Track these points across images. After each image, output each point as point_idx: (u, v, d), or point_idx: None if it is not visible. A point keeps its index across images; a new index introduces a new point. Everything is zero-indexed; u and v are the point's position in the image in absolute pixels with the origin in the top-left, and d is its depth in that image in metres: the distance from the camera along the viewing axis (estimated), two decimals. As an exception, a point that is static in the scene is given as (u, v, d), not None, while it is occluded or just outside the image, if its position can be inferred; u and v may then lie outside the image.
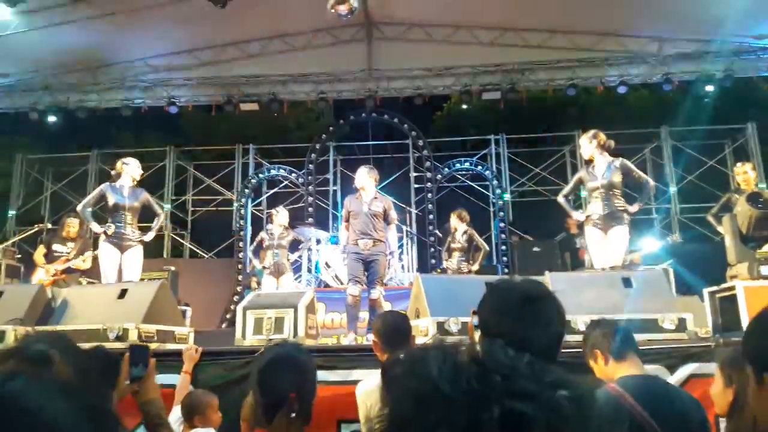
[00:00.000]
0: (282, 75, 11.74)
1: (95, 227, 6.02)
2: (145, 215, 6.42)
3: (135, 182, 6.23)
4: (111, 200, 6.05)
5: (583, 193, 5.88)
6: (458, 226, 7.97)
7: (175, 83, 11.81)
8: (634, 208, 5.52)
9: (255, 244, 7.96)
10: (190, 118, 15.85)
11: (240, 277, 11.36)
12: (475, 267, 7.80)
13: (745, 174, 5.61)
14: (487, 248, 8.23)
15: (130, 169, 6.18)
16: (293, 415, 1.80)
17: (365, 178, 6.00)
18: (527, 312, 1.39)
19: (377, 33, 11.17)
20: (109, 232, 5.97)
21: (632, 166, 5.73)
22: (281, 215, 7.81)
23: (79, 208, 6.21)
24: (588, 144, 5.69)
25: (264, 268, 7.61)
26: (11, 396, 0.61)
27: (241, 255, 12.23)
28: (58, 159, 14.21)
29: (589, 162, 5.75)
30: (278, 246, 7.61)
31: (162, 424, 2.06)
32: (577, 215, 5.75)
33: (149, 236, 6.26)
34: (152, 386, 2.20)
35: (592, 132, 5.79)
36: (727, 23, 9.73)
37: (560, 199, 5.87)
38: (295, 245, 8.10)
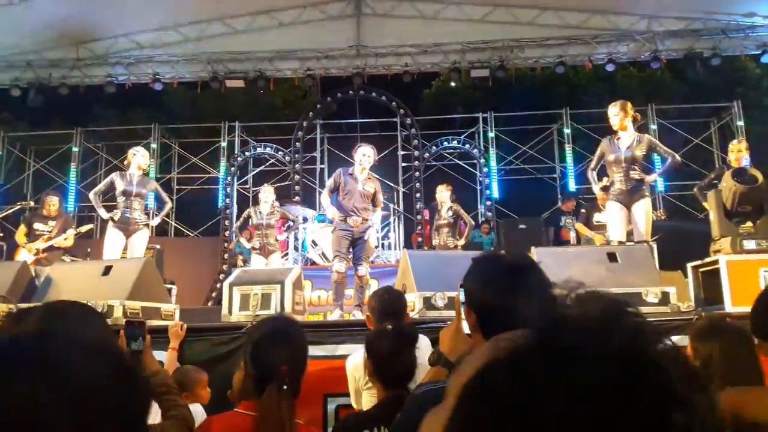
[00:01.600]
0: (268, 51, 11.60)
1: (103, 213, 6.25)
2: None
3: (143, 171, 6.52)
4: (120, 187, 6.33)
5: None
6: (445, 199, 8.00)
7: (160, 59, 11.63)
8: (651, 177, 5.52)
9: (241, 220, 7.91)
10: (176, 95, 15.65)
11: (226, 256, 11.33)
12: (462, 242, 7.88)
13: (739, 153, 5.68)
14: (473, 222, 8.33)
15: (138, 159, 6.45)
16: (284, 387, 1.79)
17: (369, 150, 5.99)
18: (511, 281, 1.39)
19: (366, 8, 11.04)
20: (116, 218, 6.21)
21: (658, 143, 5.68)
22: (267, 192, 7.77)
23: (90, 194, 6.46)
24: (617, 114, 5.48)
25: (252, 248, 7.58)
26: (42, 350, 0.58)
27: (227, 233, 12.19)
28: (41, 137, 14.03)
29: (614, 133, 5.60)
30: (267, 226, 7.58)
31: (170, 390, 2.07)
32: (599, 192, 5.62)
33: (156, 221, 6.81)
34: (152, 359, 2.24)
35: (620, 102, 5.61)
36: (716, 1, 9.72)
37: (589, 173, 5.75)
38: (283, 224, 8.07)
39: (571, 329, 0.47)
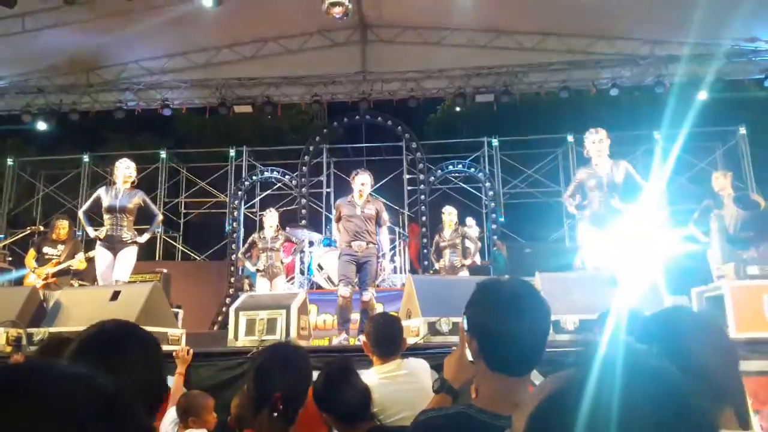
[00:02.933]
0: (276, 77, 11.78)
1: (90, 231, 6.04)
2: (145, 218, 6.42)
3: (129, 183, 6.18)
4: (105, 203, 6.05)
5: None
6: (452, 221, 8.09)
7: (169, 85, 11.82)
8: (623, 206, 5.58)
9: (247, 245, 7.99)
10: (184, 120, 15.88)
11: (232, 280, 11.38)
12: (468, 261, 7.98)
13: (718, 179, 5.88)
14: (479, 243, 8.47)
15: (122, 170, 6.17)
16: (275, 414, 1.81)
17: (366, 177, 6.07)
18: (513, 310, 1.43)
19: (371, 35, 11.22)
20: (101, 236, 5.98)
21: (633, 169, 5.79)
22: (270, 216, 7.84)
23: (80, 213, 6.28)
24: (602, 140, 5.65)
25: (258, 270, 7.63)
26: (28, 383, 0.59)
27: (233, 257, 12.25)
28: (51, 161, 14.21)
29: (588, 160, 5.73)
30: (271, 248, 7.64)
31: None
32: (572, 209, 5.68)
33: (144, 237, 6.21)
34: None
35: (603, 130, 5.79)
36: (720, 26, 9.83)
37: (566, 200, 5.84)
38: (289, 247, 8.13)
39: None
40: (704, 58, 10.83)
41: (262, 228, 7.90)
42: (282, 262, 7.79)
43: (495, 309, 1.45)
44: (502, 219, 13.01)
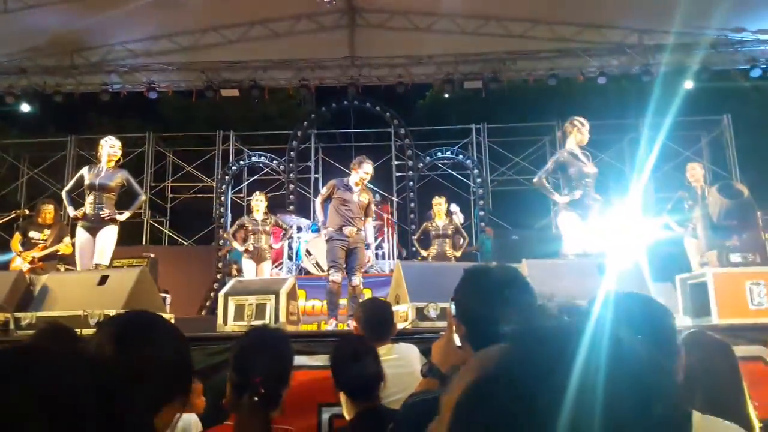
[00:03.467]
0: (263, 61, 11.68)
1: (70, 211, 5.91)
2: (128, 201, 6.26)
3: (113, 162, 6.03)
4: (86, 181, 5.90)
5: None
6: (442, 211, 8.12)
7: (155, 68, 11.69)
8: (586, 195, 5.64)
9: (235, 226, 7.96)
10: (170, 103, 15.73)
11: (220, 265, 11.36)
12: (459, 253, 8.02)
13: (693, 170, 6.03)
14: (467, 237, 8.51)
15: (106, 149, 6.00)
16: (255, 398, 1.82)
17: (371, 168, 6.14)
18: (499, 295, 1.46)
19: (360, 20, 11.15)
20: (79, 214, 5.83)
21: None
22: (259, 201, 7.82)
23: (63, 193, 6.11)
24: (587, 130, 5.65)
25: (246, 251, 7.61)
26: (22, 366, 0.60)
27: (221, 242, 12.23)
28: (35, 144, 14.02)
29: (580, 145, 5.68)
30: (261, 231, 7.63)
31: None
32: (559, 198, 5.55)
33: (124, 215, 5.96)
34: None
35: (582, 119, 5.78)
36: (706, 16, 9.89)
37: (543, 181, 5.63)
38: (278, 233, 8.13)
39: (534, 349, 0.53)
40: (690, 48, 10.90)
41: (250, 212, 7.88)
42: (271, 247, 7.77)
43: (482, 295, 1.48)
44: (482, 212, 13.07)
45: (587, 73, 11.57)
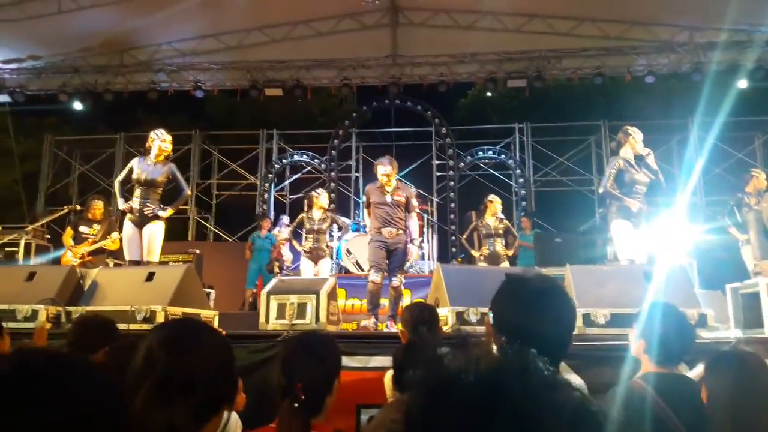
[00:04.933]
0: (306, 60, 11.78)
1: (120, 203, 5.95)
2: (173, 196, 6.28)
3: (163, 156, 6.00)
4: (134, 174, 5.91)
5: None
6: (497, 210, 8.10)
7: (201, 67, 11.92)
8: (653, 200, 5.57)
9: (295, 223, 8.06)
10: (216, 102, 16.03)
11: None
12: (511, 252, 8.06)
13: (759, 177, 5.87)
14: (517, 236, 8.55)
15: (158, 143, 5.98)
16: (296, 405, 1.83)
17: (388, 168, 6.05)
18: (537, 306, 1.44)
19: (402, 18, 11.14)
20: (127, 208, 5.85)
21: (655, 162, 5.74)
22: (322, 198, 7.91)
23: (115, 182, 6.16)
24: (640, 139, 5.67)
25: (303, 251, 7.72)
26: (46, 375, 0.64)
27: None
28: (86, 141, 14.48)
29: (636, 155, 5.63)
30: (318, 230, 7.71)
31: None
32: (630, 202, 5.42)
33: (166, 212, 5.92)
34: None
35: (635, 129, 5.78)
36: (761, 13, 9.52)
37: (609, 190, 5.61)
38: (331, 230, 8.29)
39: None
40: (744, 46, 10.51)
41: (310, 208, 7.95)
42: (328, 246, 7.87)
43: (519, 305, 1.47)
44: (524, 214, 12.90)
45: (635, 72, 11.28)
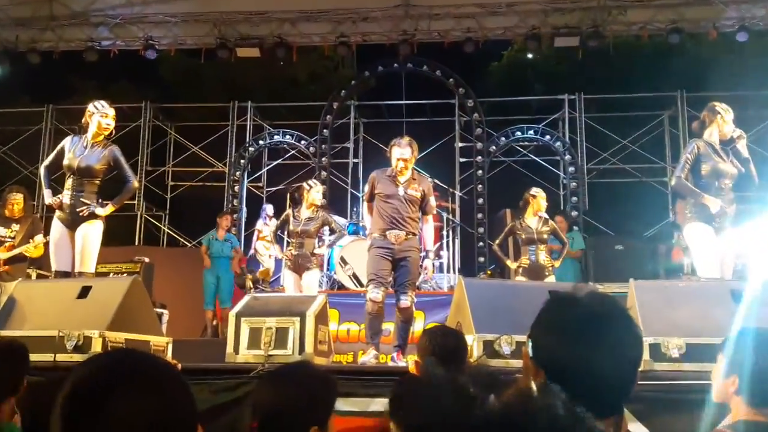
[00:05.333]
0: (291, 11, 11.77)
1: (46, 195, 5.90)
2: (113, 188, 6.26)
3: (103, 136, 5.93)
4: (66, 159, 5.85)
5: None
6: (540, 207, 8.01)
7: (154, 20, 11.91)
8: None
9: (280, 222, 8.06)
10: (173, 65, 16.06)
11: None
12: (558, 263, 7.98)
13: None
14: (567, 241, 8.48)
15: (95, 118, 5.87)
16: None
17: (407, 152, 6.03)
18: (591, 335, 1.43)
19: (417, -43, 11.16)
20: (55, 203, 5.82)
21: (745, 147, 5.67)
22: (315, 192, 7.89)
23: (41, 168, 6.14)
24: (731, 119, 5.54)
25: (286, 260, 7.72)
26: None
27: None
28: (4, 115, 14.50)
29: (722, 138, 5.58)
30: (303, 233, 7.69)
31: None
32: (710, 201, 5.31)
33: (106, 209, 5.84)
34: None
35: (725, 106, 5.64)
36: None
37: (682, 181, 5.49)
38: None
39: None
40: None
41: (299, 203, 7.96)
42: (314, 254, 7.80)
43: (566, 334, 1.46)
44: (575, 213, 12.86)
45: (722, 28, 11.24)
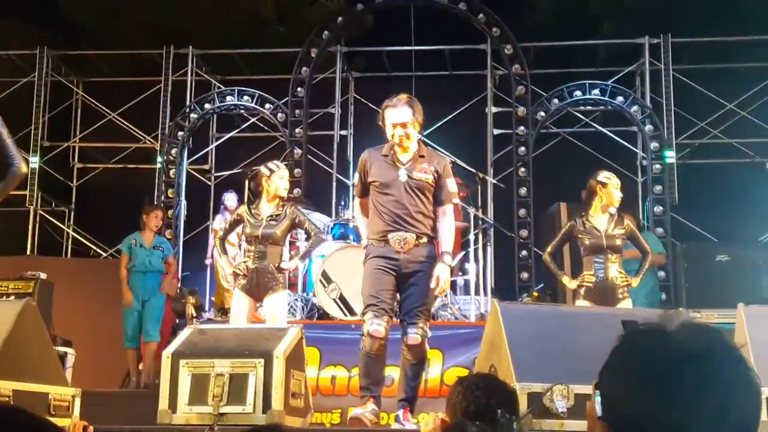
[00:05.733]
0: None
1: None
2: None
3: None
4: None
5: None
6: (612, 202, 7.94)
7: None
8: None
9: (229, 224, 8.03)
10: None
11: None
12: (637, 281, 7.80)
13: None
14: (648, 249, 8.21)
15: None
16: None
17: (405, 113, 6.04)
18: (685, 386, 1.44)
19: None
20: None
21: None
22: (279, 177, 7.81)
23: None
24: None
25: (236, 276, 7.63)
26: None
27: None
28: None
29: None
30: (265, 238, 7.65)
31: None
32: None
33: None
34: None
35: None
36: None
37: None
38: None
39: None
40: None
41: (256, 197, 7.88)
42: (280, 269, 7.73)
43: (652, 381, 1.46)
44: (659, 208, 12.86)
45: None
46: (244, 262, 7.55)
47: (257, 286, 7.43)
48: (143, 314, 9.91)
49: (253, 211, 7.65)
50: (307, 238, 8.34)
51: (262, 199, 7.72)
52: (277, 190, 7.67)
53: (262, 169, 7.83)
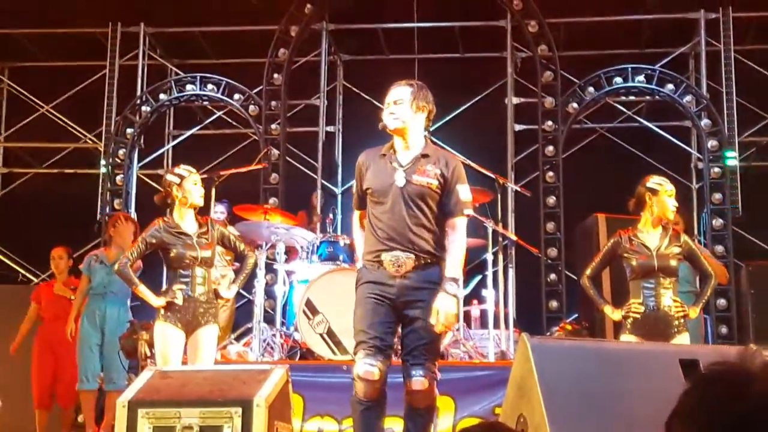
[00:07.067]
0: None
1: None
2: None
3: None
4: None
5: None
6: (665, 213, 7.91)
7: None
8: None
9: (141, 244, 8.00)
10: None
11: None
12: (696, 311, 7.72)
13: None
14: (711, 272, 8.09)
15: None
16: None
17: (404, 90, 6.06)
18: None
19: None
20: None
21: None
22: (192, 182, 7.77)
23: None
24: None
25: (165, 310, 7.59)
26: None
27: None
28: None
29: None
30: (202, 261, 7.68)
31: None
32: None
33: None
34: None
35: None
36: None
37: None
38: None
39: None
40: None
41: (168, 208, 7.89)
42: (219, 296, 7.76)
43: (734, 432, 1.50)
44: (718, 221, 12.91)
45: None
46: (180, 289, 7.49)
47: (195, 319, 7.43)
48: (104, 352, 9.80)
49: (173, 230, 7.66)
50: (239, 260, 8.34)
51: (175, 214, 7.69)
52: (192, 200, 7.69)
53: (169, 176, 7.83)
